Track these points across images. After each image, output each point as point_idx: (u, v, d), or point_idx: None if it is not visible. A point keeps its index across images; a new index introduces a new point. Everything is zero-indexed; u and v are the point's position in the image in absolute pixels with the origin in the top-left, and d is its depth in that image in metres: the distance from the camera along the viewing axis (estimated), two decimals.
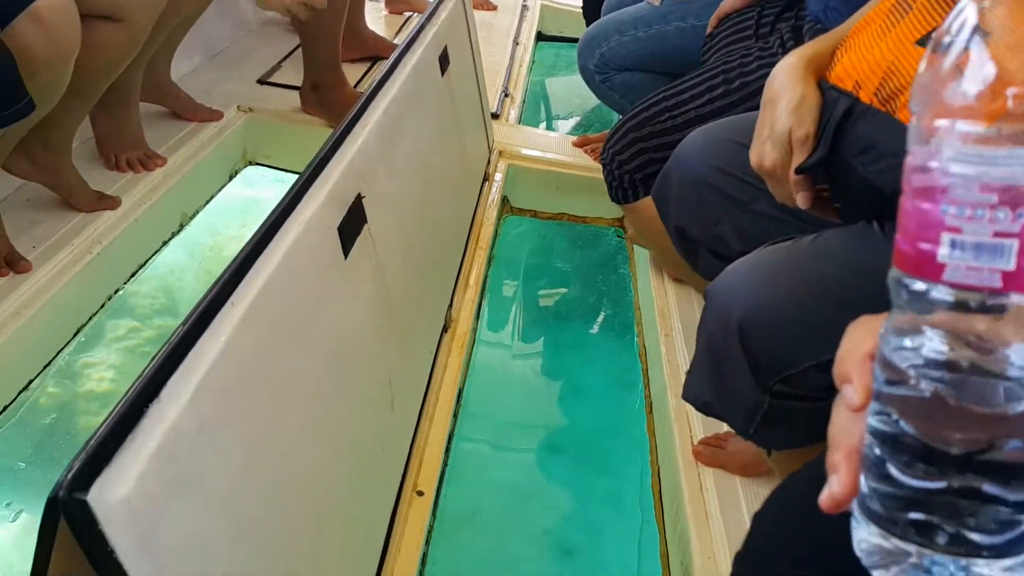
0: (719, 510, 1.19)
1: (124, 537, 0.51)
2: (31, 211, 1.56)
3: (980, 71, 0.35)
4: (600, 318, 1.96)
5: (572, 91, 3.09)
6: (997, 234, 0.34)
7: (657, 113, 1.44)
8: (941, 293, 0.36)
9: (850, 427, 0.41)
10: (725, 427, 1.35)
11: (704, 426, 1.35)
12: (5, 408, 1.33)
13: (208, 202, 1.95)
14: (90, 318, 1.53)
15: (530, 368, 1.81)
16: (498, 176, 2.11)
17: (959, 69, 0.35)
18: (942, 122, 0.36)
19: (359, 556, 0.98)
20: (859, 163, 0.82)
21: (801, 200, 0.85)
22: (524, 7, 3.44)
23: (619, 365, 1.77)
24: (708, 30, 1.69)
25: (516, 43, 3.04)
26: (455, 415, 1.41)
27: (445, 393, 1.38)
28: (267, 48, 2.52)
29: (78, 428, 1.39)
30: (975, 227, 0.35)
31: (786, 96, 0.87)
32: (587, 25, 2.42)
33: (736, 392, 0.88)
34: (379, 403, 1.06)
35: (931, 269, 0.36)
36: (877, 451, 0.38)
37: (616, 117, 2.15)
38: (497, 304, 1.90)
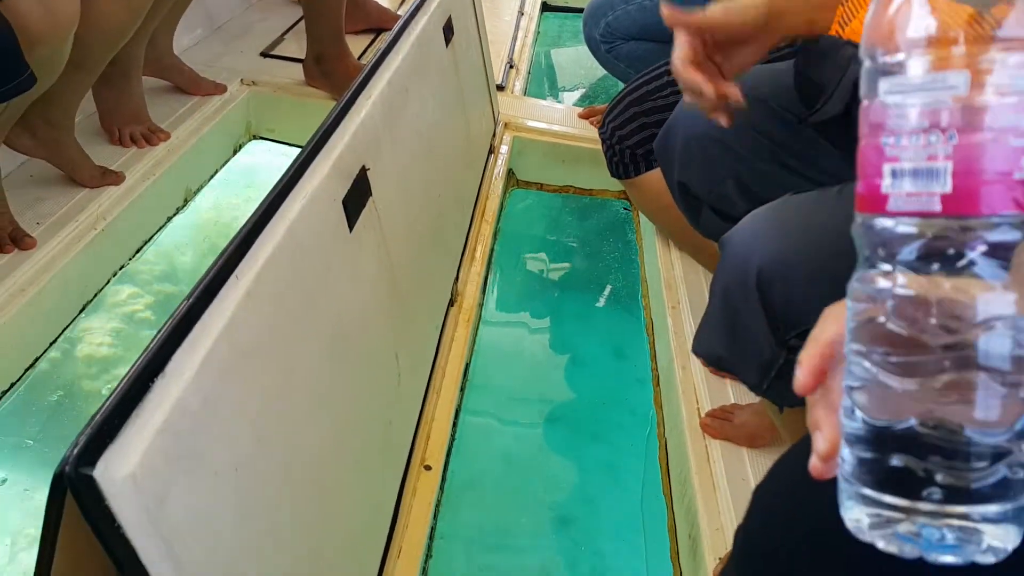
0: (727, 482, 1.20)
1: (131, 512, 0.50)
2: (34, 187, 1.55)
3: (920, 12, 0.35)
4: (607, 291, 1.96)
5: (578, 62, 3.06)
6: (932, 158, 0.35)
7: (659, 87, 1.42)
8: (899, 227, 0.36)
9: (828, 383, 0.41)
10: (732, 399, 1.35)
11: (711, 398, 1.35)
12: (12, 386, 1.33)
13: (212, 177, 1.94)
14: (96, 294, 1.53)
15: (536, 341, 1.80)
16: (503, 148, 2.10)
17: (899, 12, 0.36)
18: (880, 59, 0.37)
19: (367, 531, 0.98)
20: None
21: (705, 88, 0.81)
22: None
23: (625, 337, 1.77)
24: None
25: (521, 13, 3.01)
26: (462, 389, 1.41)
27: (452, 367, 1.37)
28: (270, 20, 2.50)
29: (85, 405, 1.39)
30: (911, 154, 0.35)
31: None
32: None
33: (750, 345, 0.86)
34: (386, 377, 1.06)
35: (877, 202, 0.37)
36: (850, 402, 0.38)
37: (621, 87, 2.13)
38: (503, 278, 1.89)
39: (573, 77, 3.08)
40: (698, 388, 1.38)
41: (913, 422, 0.36)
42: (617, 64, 1.93)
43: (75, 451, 0.50)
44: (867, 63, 0.38)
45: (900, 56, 0.36)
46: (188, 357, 0.60)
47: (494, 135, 2.09)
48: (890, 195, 0.36)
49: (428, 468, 1.16)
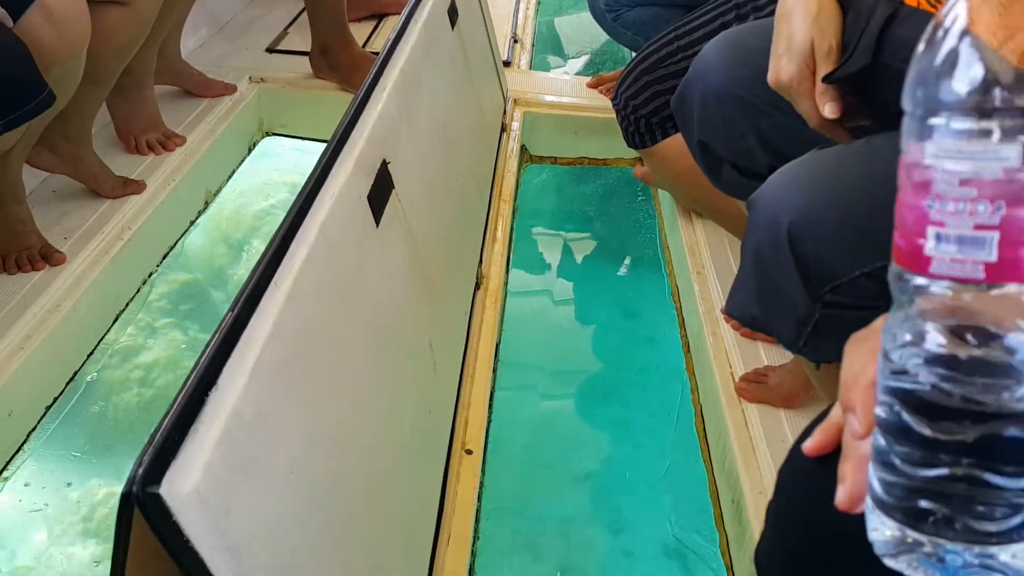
0: (766, 444, 1.20)
1: (198, 525, 0.52)
2: (58, 202, 1.57)
3: (968, 70, 0.35)
4: (629, 260, 1.96)
5: (581, 29, 3.04)
6: (978, 227, 0.35)
7: (670, 53, 1.41)
8: (934, 286, 0.37)
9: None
10: (765, 361, 1.36)
11: (744, 362, 1.35)
12: (55, 401, 1.35)
13: (230, 177, 1.95)
14: (127, 303, 1.55)
15: (560, 312, 1.82)
16: (515, 125, 2.10)
17: (949, 66, 0.36)
18: (927, 118, 0.37)
19: (417, 520, 1.00)
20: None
21: (829, 110, 0.82)
22: None
23: (652, 305, 1.78)
24: None
25: None
26: (494, 370, 1.42)
27: (483, 350, 1.39)
28: (272, 15, 2.50)
29: (127, 414, 1.42)
30: (957, 221, 0.36)
31: (800, 7, 0.85)
32: None
33: (785, 303, 0.85)
34: (422, 366, 1.07)
35: (920, 262, 0.37)
36: (882, 441, 0.39)
37: (628, 54, 2.11)
38: (525, 255, 1.90)
39: (578, 45, 3.06)
40: (730, 353, 1.38)
41: (944, 471, 0.37)
42: (624, 32, 1.91)
43: (140, 470, 0.51)
44: (910, 113, 0.38)
45: (951, 119, 0.36)
46: (238, 367, 0.61)
47: (505, 113, 2.09)
48: (934, 258, 0.37)
49: (469, 452, 1.17)
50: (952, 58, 0.36)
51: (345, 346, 0.81)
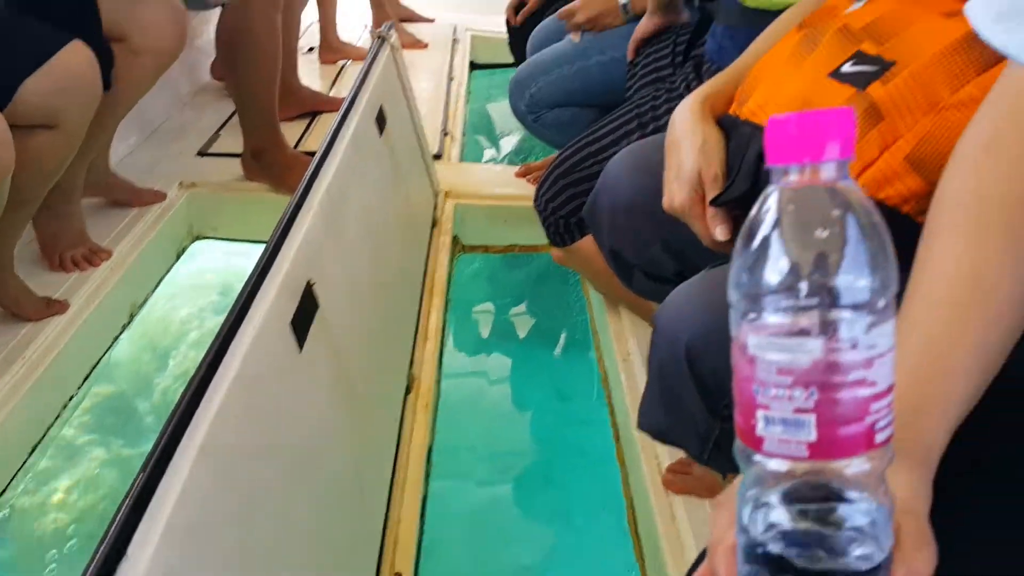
0: (693, 539, 1.20)
1: None
2: None
3: (777, 264, 0.39)
4: (561, 345, 1.99)
5: (509, 116, 3.11)
6: (797, 410, 0.39)
7: (582, 159, 1.48)
8: (770, 462, 0.41)
9: None
10: None
11: (671, 452, 1.37)
12: None
13: (157, 286, 1.93)
14: (47, 430, 1.50)
15: (498, 399, 1.83)
16: (446, 218, 2.14)
17: (761, 261, 0.40)
18: (750, 313, 0.40)
19: None
20: None
21: (720, 232, 0.88)
22: (455, 40, 3.46)
23: (585, 389, 1.80)
24: (629, 57, 1.74)
25: (451, 79, 3.07)
26: (427, 474, 1.42)
27: (414, 459, 1.37)
28: (203, 118, 2.51)
29: (41, 544, 1.36)
30: (779, 405, 0.40)
31: (687, 139, 0.92)
32: (514, 60, 2.47)
33: (688, 418, 0.89)
34: (348, 493, 1.07)
35: (755, 441, 0.41)
36: None
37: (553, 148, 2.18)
38: (458, 347, 1.92)
39: (506, 131, 3.13)
40: (655, 442, 1.40)
41: None
42: (544, 131, 1.99)
43: None
44: (734, 304, 0.41)
45: (765, 313, 0.40)
46: (149, 531, 0.62)
47: (435, 207, 2.13)
48: (764, 438, 0.40)
49: None
50: (764, 252, 0.39)
51: (264, 485, 0.82)
